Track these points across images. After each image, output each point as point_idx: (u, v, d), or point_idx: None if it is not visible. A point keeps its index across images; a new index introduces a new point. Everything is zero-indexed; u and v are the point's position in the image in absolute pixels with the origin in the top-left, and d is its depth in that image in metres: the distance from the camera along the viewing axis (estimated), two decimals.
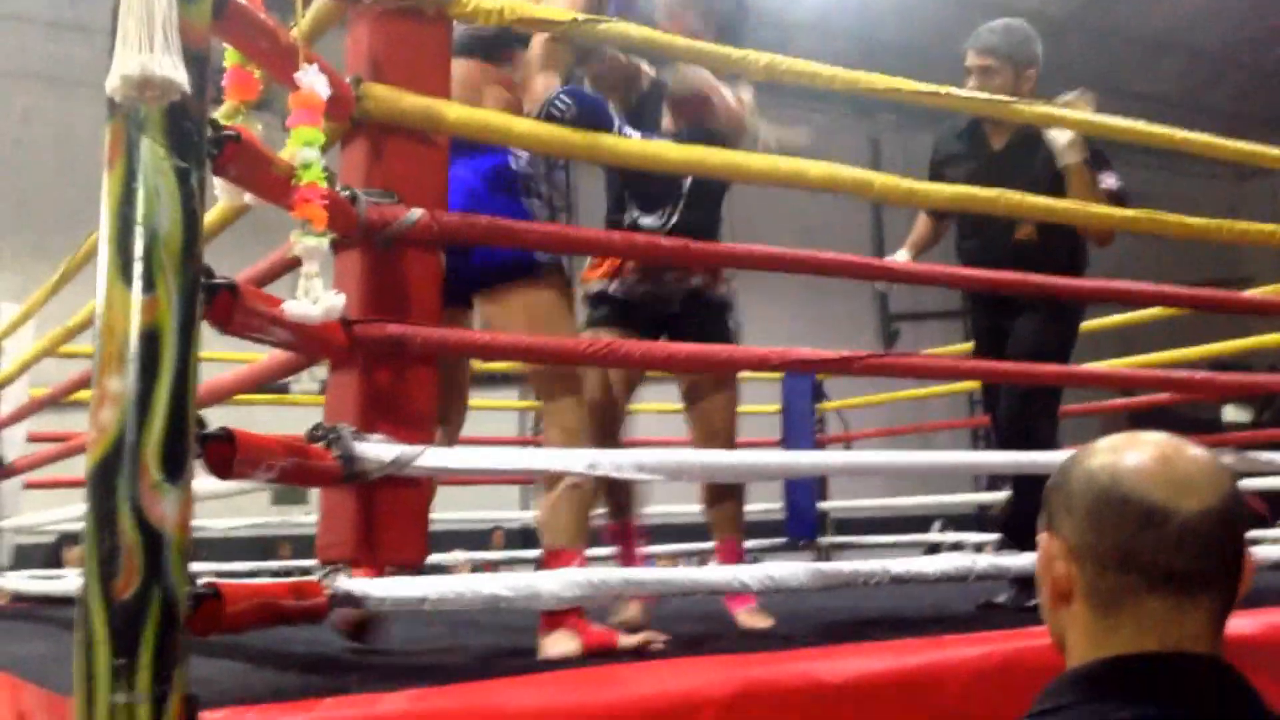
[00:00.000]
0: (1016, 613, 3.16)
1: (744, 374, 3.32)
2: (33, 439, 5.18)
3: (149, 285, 1.37)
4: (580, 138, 2.48)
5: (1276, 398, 12.68)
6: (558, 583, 2.15)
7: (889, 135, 14.69)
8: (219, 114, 1.76)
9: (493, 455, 2.54)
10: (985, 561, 2.77)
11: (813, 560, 5.89)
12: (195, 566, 1.44)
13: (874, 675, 2.04)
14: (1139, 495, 1.12)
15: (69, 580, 4.31)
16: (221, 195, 1.86)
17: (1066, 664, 1.18)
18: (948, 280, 3.38)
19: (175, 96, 1.36)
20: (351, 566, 1.98)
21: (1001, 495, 6.53)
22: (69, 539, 6.43)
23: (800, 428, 6.66)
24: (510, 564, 8.17)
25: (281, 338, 1.91)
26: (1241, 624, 2.35)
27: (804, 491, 6.77)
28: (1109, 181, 3.50)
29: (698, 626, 3.09)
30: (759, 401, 6.59)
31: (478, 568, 7.42)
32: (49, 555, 6.75)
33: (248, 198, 1.89)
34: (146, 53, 1.32)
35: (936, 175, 3.69)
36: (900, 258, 3.78)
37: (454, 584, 2.07)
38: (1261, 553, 3.13)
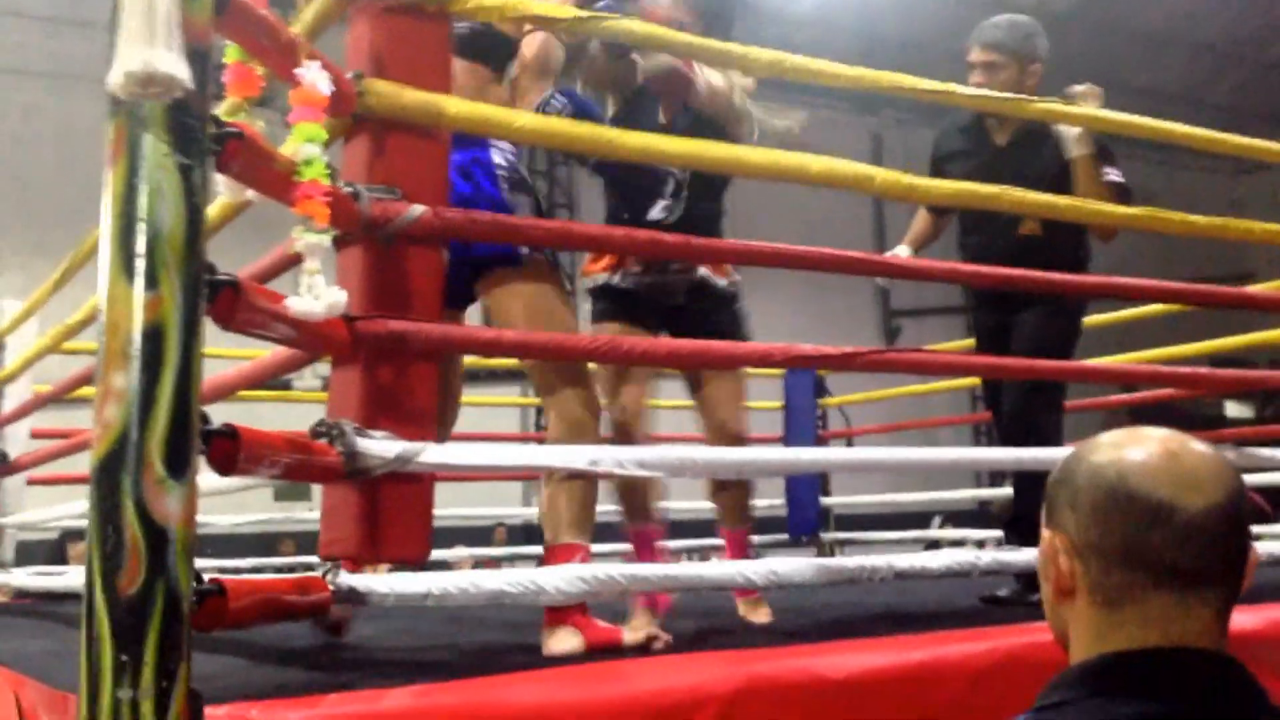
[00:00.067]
0: (1019, 607, 3.16)
1: (746, 370, 3.31)
2: (36, 435, 5.18)
3: (152, 282, 1.37)
4: (582, 130, 2.48)
5: (1278, 394, 12.68)
6: (561, 578, 2.16)
7: (891, 131, 14.69)
8: (221, 110, 1.76)
9: (495, 451, 2.55)
10: (989, 557, 2.77)
11: (815, 556, 5.89)
12: (198, 563, 1.44)
13: (876, 671, 2.04)
14: (1145, 491, 1.12)
15: (72, 576, 4.31)
16: (224, 192, 1.86)
17: (1069, 660, 1.18)
18: (952, 277, 3.38)
19: (178, 93, 1.36)
20: (342, 564, 1.98)
21: (1002, 491, 6.54)
22: (72, 535, 6.44)
23: (802, 424, 6.66)
24: (512, 560, 8.17)
25: (284, 334, 1.91)
26: (1244, 619, 2.35)
27: (806, 487, 6.77)
28: (1112, 175, 3.50)
29: (701, 622, 3.10)
30: (761, 398, 6.59)
31: (480, 564, 7.43)
32: (52, 552, 6.76)
33: (250, 194, 1.89)
34: (149, 49, 1.32)
35: (939, 171, 3.69)
36: (900, 253, 3.78)
37: (457, 579, 2.07)
38: (1263, 548, 3.13)
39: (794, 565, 2.54)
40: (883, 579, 2.54)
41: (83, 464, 1.52)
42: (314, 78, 1.84)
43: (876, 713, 2.01)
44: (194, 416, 1.40)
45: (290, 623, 2.51)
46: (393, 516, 2.05)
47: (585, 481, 2.58)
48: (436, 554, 2.39)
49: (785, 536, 6.65)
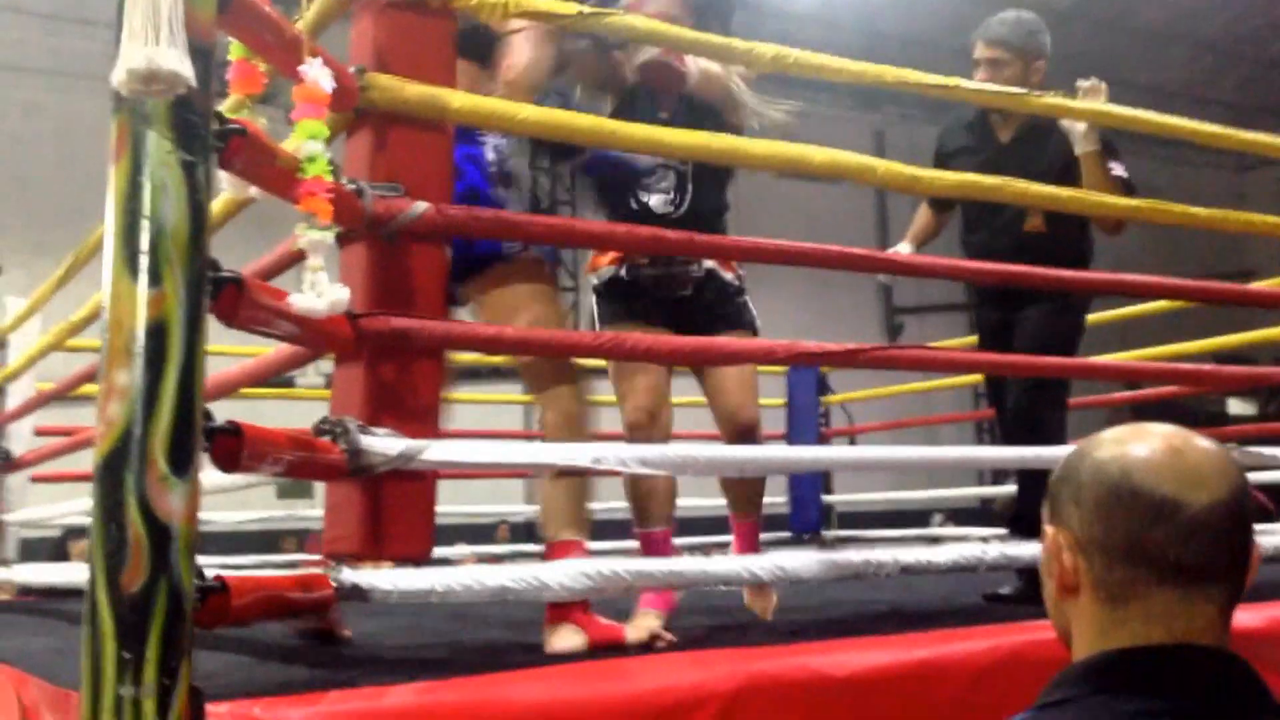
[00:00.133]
0: (1022, 605, 3.16)
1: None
2: (39, 433, 5.19)
3: (155, 279, 1.37)
4: (584, 122, 2.47)
5: None
6: (564, 574, 2.15)
7: (893, 127, 14.68)
8: (224, 107, 1.76)
9: (498, 449, 2.54)
10: (995, 551, 2.76)
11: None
12: (201, 560, 1.44)
13: (879, 669, 2.04)
14: (1150, 488, 1.12)
15: (75, 574, 4.32)
16: (227, 188, 1.86)
17: (1072, 657, 1.17)
18: (954, 274, 3.38)
19: (181, 90, 1.36)
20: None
21: (1005, 489, 6.53)
22: (75, 533, 6.44)
23: (805, 421, 6.67)
24: (515, 558, 8.17)
25: (287, 331, 1.91)
26: (1246, 617, 2.35)
27: (808, 485, 6.77)
28: (1117, 170, 3.50)
29: (703, 619, 3.10)
30: (764, 395, 6.58)
31: (483, 562, 7.43)
32: (55, 549, 6.76)
33: (253, 191, 1.89)
34: (153, 46, 1.32)
35: (942, 168, 3.68)
36: (901, 250, 3.78)
37: (460, 576, 2.07)
38: (1266, 545, 3.12)
39: (800, 560, 2.53)
40: (888, 574, 2.53)
41: (86, 461, 1.52)
42: (316, 74, 1.83)
43: (879, 711, 2.00)
44: (197, 413, 1.40)
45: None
46: (396, 514, 2.05)
47: (580, 478, 2.58)
48: (439, 552, 2.39)
49: (788, 534, 6.65)
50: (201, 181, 1.42)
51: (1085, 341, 3.79)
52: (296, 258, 2.15)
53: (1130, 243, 4.24)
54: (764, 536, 3.13)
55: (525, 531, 10.99)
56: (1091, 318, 3.99)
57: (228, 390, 2.58)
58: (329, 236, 1.86)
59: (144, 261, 1.37)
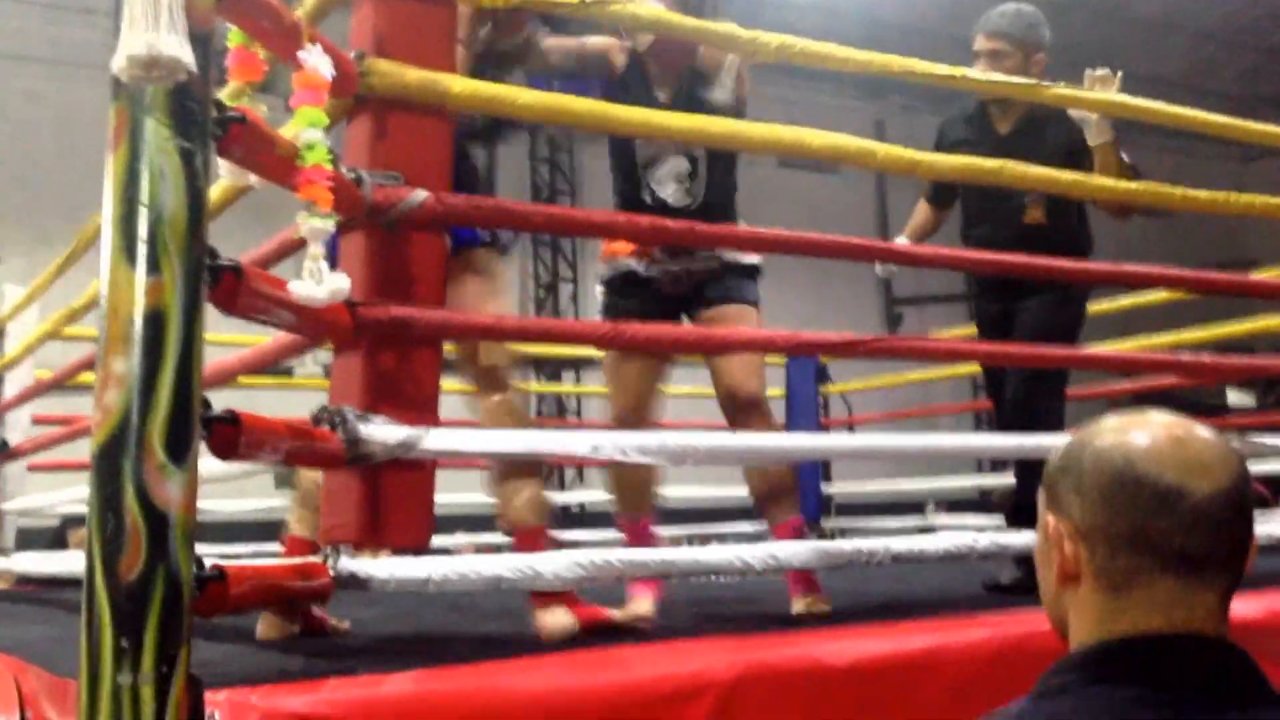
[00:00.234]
0: (1021, 594, 3.16)
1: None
2: (37, 421, 5.19)
3: (153, 266, 1.36)
4: (584, 107, 2.47)
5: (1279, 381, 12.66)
6: (559, 564, 2.16)
7: (894, 117, 14.65)
8: (223, 95, 1.75)
9: (497, 438, 2.54)
10: (986, 540, 2.77)
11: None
12: (198, 549, 1.44)
13: (879, 658, 2.04)
14: (1153, 476, 1.11)
15: (73, 563, 4.32)
16: (226, 176, 1.86)
17: (1070, 646, 1.17)
18: (955, 263, 3.38)
19: (181, 76, 1.36)
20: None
21: (1003, 479, 6.54)
22: (73, 522, 6.44)
23: (804, 411, 6.68)
24: (513, 547, 8.17)
25: (286, 320, 1.91)
26: (1245, 607, 2.35)
27: (807, 475, 6.78)
28: (1123, 157, 3.50)
29: (702, 609, 3.10)
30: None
31: (481, 551, 7.43)
32: (53, 538, 6.76)
33: (252, 179, 1.89)
34: (153, 32, 1.32)
35: None
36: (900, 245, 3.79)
37: (457, 565, 2.07)
38: (1264, 534, 3.12)
39: (793, 549, 2.54)
40: (880, 563, 2.53)
41: (84, 450, 1.52)
42: (316, 62, 1.83)
43: (879, 699, 2.01)
44: (195, 402, 1.40)
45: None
46: (395, 502, 2.05)
47: (532, 472, 2.65)
48: (437, 541, 2.39)
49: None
50: (200, 169, 1.41)
51: (1088, 331, 3.79)
52: (295, 246, 2.15)
53: (1132, 234, 4.25)
54: (762, 527, 3.11)
55: None
56: (1092, 308, 4.00)
57: (225, 379, 2.58)
58: (329, 225, 1.86)
59: (142, 249, 1.36)
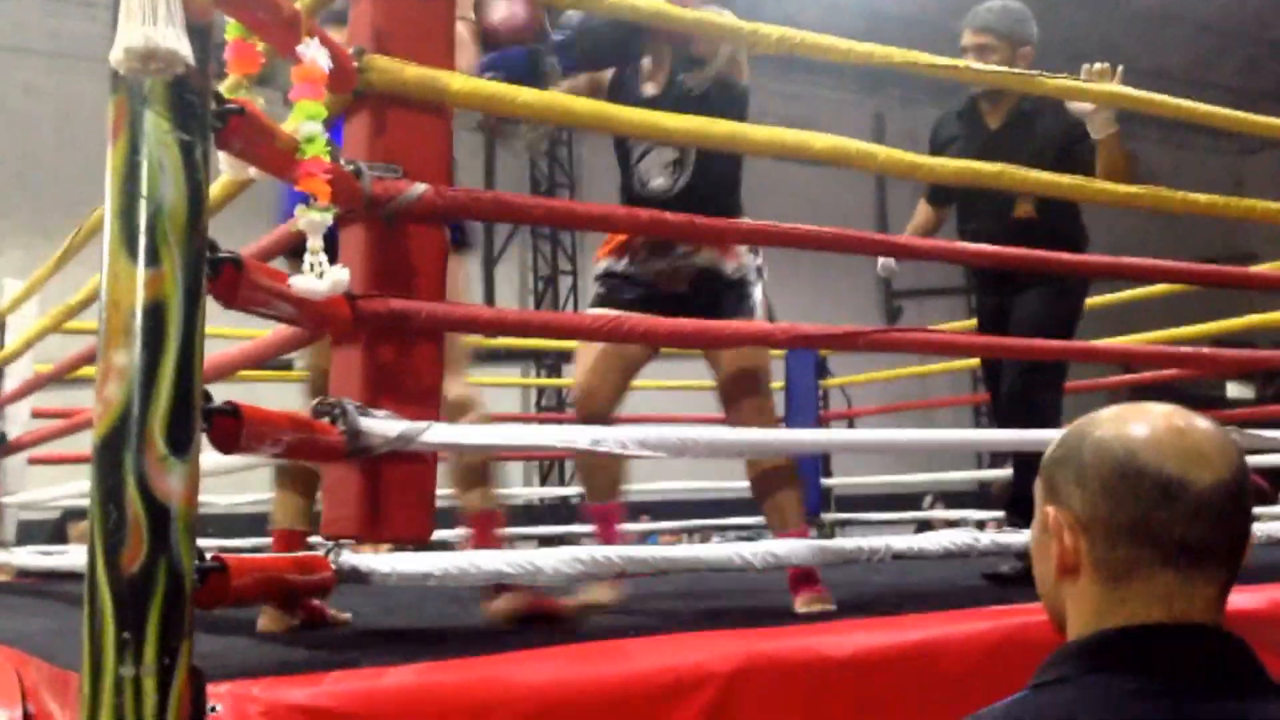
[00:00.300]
0: (1022, 585, 3.16)
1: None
2: (37, 415, 5.19)
3: (153, 259, 1.36)
4: (583, 105, 2.46)
5: (1279, 374, 12.67)
6: (558, 559, 2.16)
7: (894, 110, 14.67)
8: (222, 88, 1.75)
9: (498, 431, 2.54)
10: (987, 539, 2.77)
11: (816, 537, 5.89)
12: (199, 542, 1.44)
13: (877, 649, 2.04)
14: (1154, 467, 1.11)
15: (74, 555, 4.32)
16: (226, 169, 1.85)
17: (1067, 637, 1.17)
18: (952, 256, 3.38)
19: (179, 69, 1.36)
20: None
21: (1003, 472, 6.55)
22: (73, 515, 6.44)
23: (803, 404, 6.67)
24: (513, 541, 8.19)
25: (286, 313, 1.91)
26: (1245, 599, 2.35)
27: (807, 468, 6.77)
28: None
29: (702, 602, 3.10)
30: None
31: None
32: (53, 531, 6.76)
33: (252, 171, 1.89)
34: (150, 25, 1.31)
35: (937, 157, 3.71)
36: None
37: (458, 559, 2.07)
38: (1264, 529, 3.13)
39: (791, 546, 2.54)
40: (880, 559, 2.54)
41: (84, 443, 1.52)
42: (314, 54, 1.83)
43: (879, 691, 2.01)
44: (196, 394, 1.40)
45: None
46: (395, 496, 2.05)
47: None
48: (438, 535, 2.39)
49: None
50: (199, 161, 1.41)
51: (1087, 325, 3.79)
52: (294, 240, 2.15)
53: (1130, 227, 4.25)
54: (762, 520, 3.10)
55: (524, 514, 11.00)
56: (1091, 301, 3.99)
57: (225, 372, 2.58)
58: (328, 218, 1.86)
59: (142, 242, 1.36)
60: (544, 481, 12.44)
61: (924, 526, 7.73)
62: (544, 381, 11.89)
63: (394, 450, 1.96)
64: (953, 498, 10.52)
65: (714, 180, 3.07)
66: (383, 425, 1.95)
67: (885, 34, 3.27)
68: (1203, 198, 3.32)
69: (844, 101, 14.33)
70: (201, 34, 1.42)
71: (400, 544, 2.74)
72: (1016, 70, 3.17)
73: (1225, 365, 4.24)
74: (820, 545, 2.61)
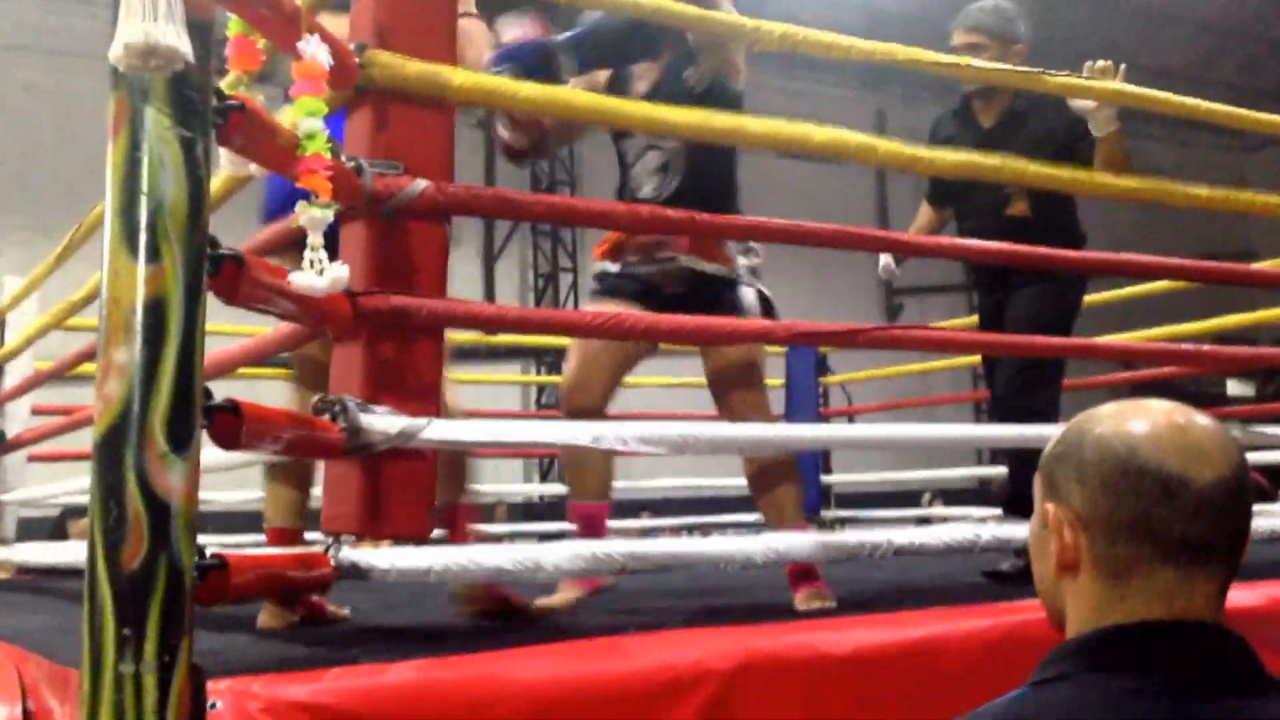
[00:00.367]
0: (1022, 583, 3.16)
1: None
2: (37, 412, 5.19)
3: (154, 255, 1.36)
4: (582, 100, 2.46)
5: (1279, 372, 12.68)
6: (560, 555, 2.16)
7: (895, 107, 14.67)
8: (223, 84, 1.75)
9: (498, 428, 2.54)
10: (990, 532, 2.77)
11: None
12: (200, 539, 1.44)
13: (879, 646, 2.04)
14: (1156, 464, 1.11)
15: (74, 553, 4.32)
16: (226, 165, 1.85)
17: (1066, 635, 1.17)
18: (952, 253, 3.38)
19: (179, 65, 1.35)
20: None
21: (1003, 470, 6.55)
22: (73, 512, 6.45)
23: (804, 401, 6.67)
24: (513, 538, 8.20)
25: (286, 309, 1.91)
26: (1245, 596, 2.35)
27: (807, 465, 6.77)
28: None
29: (702, 599, 3.10)
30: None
31: (481, 541, 7.43)
32: (54, 529, 6.77)
33: (253, 168, 1.89)
34: (150, 21, 1.31)
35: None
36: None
37: (458, 555, 2.07)
38: (1264, 526, 3.12)
39: (794, 541, 2.54)
40: (882, 555, 2.54)
41: (84, 440, 1.52)
42: (315, 51, 1.83)
43: (879, 688, 2.01)
44: (196, 391, 1.40)
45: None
46: (395, 493, 2.05)
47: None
48: (438, 532, 2.39)
49: None
50: (200, 158, 1.41)
51: (1087, 322, 3.79)
52: (286, 237, 2.15)
53: (1130, 224, 4.25)
54: (760, 517, 3.10)
55: (523, 511, 11.02)
56: (1092, 298, 4.00)
57: (225, 369, 2.58)
58: (329, 214, 1.86)
59: (143, 238, 1.36)
60: (544, 479, 12.46)
61: (924, 524, 7.73)
62: (544, 379, 11.90)
63: (394, 447, 1.96)
64: (952, 495, 10.53)
65: (705, 185, 3.02)
66: (383, 422, 1.95)
67: (886, 31, 3.27)
68: (1203, 190, 3.32)
69: (845, 98, 14.33)
70: (202, 30, 1.42)
71: (400, 540, 2.74)
72: (1021, 69, 3.17)
73: (1225, 363, 4.24)
74: (822, 540, 2.60)
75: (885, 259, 4.03)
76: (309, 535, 2.78)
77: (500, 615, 2.52)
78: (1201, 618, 1.12)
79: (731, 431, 2.90)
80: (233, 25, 1.78)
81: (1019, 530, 2.79)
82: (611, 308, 2.92)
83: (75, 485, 4.34)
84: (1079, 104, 3.42)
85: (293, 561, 1.96)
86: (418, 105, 2.15)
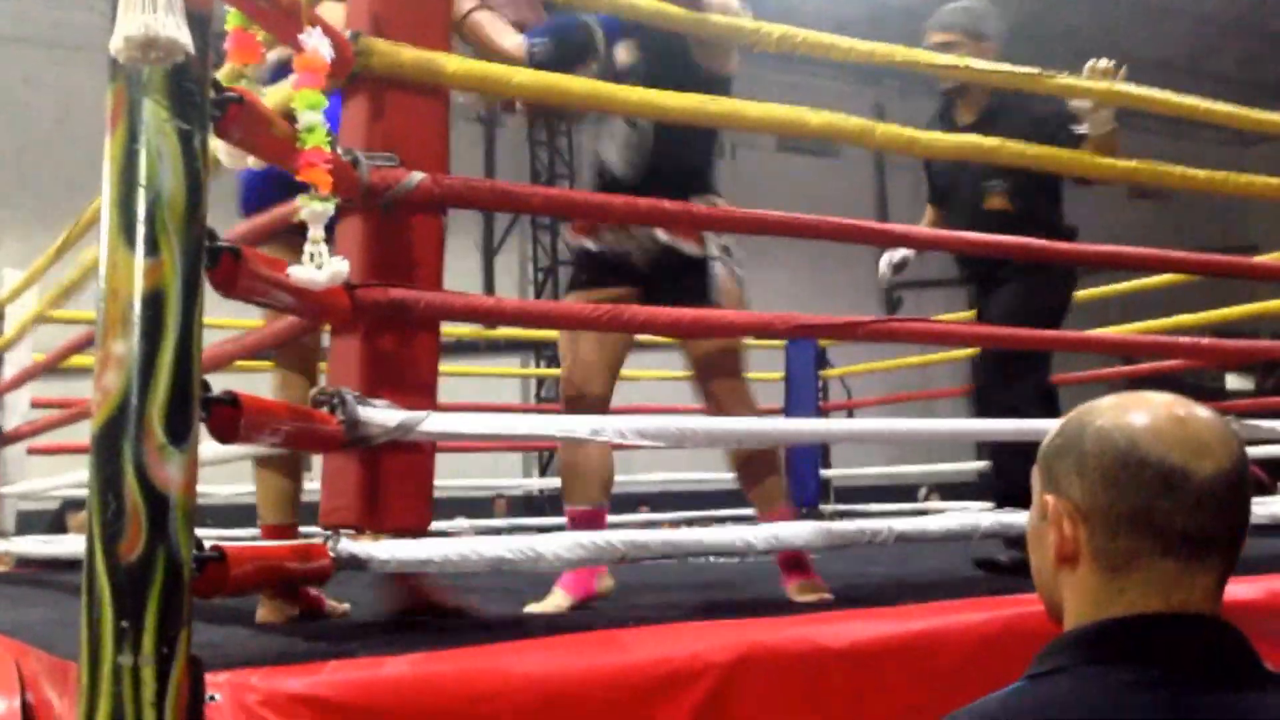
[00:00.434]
0: (1019, 575, 3.17)
1: (747, 340, 3.25)
2: (36, 405, 5.18)
3: (152, 248, 1.36)
4: (579, 85, 2.45)
5: (1278, 365, 12.69)
6: (560, 545, 2.16)
7: (893, 101, 14.65)
8: (220, 76, 1.75)
9: (496, 421, 2.54)
10: (990, 520, 2.77)
11: None
12: (198, 532, 1.44)
13: (877, 640, 2.04)
14: (1157, 457, 1.11)
15: (73, 545, 4.32)
16: (224, 158, 1.85)
17: (1064, 627, 1.17)
18: (951, 246, 3.38)
19: (178, 57, 1.35)
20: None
21: None
22: (72, 505, 6.44)
23: (803, 395, 6.67)
24: (512, 531, 8.21)
25: (284, 302, 1.90)
26: (1244, 589, 2.36)
27: (806, 459, 6.78)
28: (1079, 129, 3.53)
29: (700, 592, 3.10)
30: (762, 368, 6.59)
31: (480, 535, 7.44)
32: (53, 521, 6.76)
33: (251, 160, 1.88)
34: (150, 13, 1.31)
35: (925, 164, 3.86)
36: (906, 251, 3.90)
37: (458, 547, 2.07)
38: (1262, 517, 3.12)
39: (795, 529, 2.54)
40: (883, 542, 2.54)
41: (83, 433, 1.52)
42: (316, 43, 1.82)
43: (877, 681, 2.01)
44: (195, 383, 1.40)
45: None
46: (394, 485, 2.05)
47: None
48: (436, 525, 2.39)
49: None
50: (198, 150, 1.41)
51: (1084, 316, 3.78)
52: (276, 227, 2.15)
53: (1130, 220, 4.25)
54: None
55: (523, 504, 11.02)
56: (1091, 292, 4.00)
57: (223, 363, 2.57)
58: (329, 207, 1.86)
59: (141, 230, 1.36)
60: (543, 472, 12.46)
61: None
62: (543, 372, 11.90)
63: (393, 440, 1.96)
64: (950, 489, 10.53)
65: (680, 164, 2.98)
66: (382, 415, 1.95)
67: (887, 24, 3.27)
68: (1201, 174, 3.33)
69: (843, 93, 14.30)
70: (201, 23, 1.41)
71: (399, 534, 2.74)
72: (1021, 69, 3.16)
73: (1224, 356, 4.24)
74: (824, 528, 2.60)
75: (884, 267, 4.07)
76: (305, 530, 2.77)
77: (432, 615, 2.46)
78: (1200, 611, 1.12)
79: (730, 425, 2.90)
80: (231, 18, 1.78)
81: (1018, 517, 2.78)
82: (597, 295, 2.93)
83: (74, 478, 4.33)
84: (1076, 103, 3.42)
85: (291, 553, 1.96)
86: (413, 93, 2.14)
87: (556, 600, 2.76)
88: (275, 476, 2.74)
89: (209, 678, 1.45)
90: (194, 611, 1.39)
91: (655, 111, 2.57)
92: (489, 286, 13.48)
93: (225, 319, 3.88)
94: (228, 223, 1.99)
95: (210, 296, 1.50)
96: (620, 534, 2.33)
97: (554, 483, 10.03)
